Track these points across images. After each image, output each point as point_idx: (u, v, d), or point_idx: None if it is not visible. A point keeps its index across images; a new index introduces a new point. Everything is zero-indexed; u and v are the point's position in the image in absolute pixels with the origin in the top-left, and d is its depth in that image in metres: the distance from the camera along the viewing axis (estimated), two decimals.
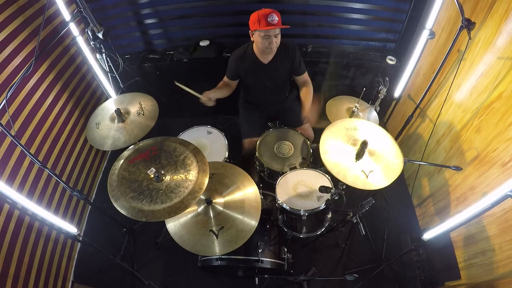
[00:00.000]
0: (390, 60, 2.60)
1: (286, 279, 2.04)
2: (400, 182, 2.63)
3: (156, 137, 1.65)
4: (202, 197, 1.56)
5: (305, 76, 2.12)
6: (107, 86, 2.48)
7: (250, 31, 1.87)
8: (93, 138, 1.80)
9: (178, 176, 1.47)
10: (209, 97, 1.93)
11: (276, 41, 1.85)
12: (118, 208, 1.39)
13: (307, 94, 2.02)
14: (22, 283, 1.76)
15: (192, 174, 1.46)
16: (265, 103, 2.27)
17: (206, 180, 1.44)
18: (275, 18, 1.75)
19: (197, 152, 1.55)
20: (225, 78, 2.13)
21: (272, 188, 1.88)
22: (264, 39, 1.82)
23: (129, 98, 1.97)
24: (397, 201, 2.53)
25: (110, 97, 2.50)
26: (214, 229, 1.52)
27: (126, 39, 2.73)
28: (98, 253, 1.97)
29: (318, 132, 1.83)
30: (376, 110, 2.33)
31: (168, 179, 1.47)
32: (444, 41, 2.07)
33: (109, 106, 1.94)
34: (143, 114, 1.85)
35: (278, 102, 2.29)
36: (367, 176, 1.54)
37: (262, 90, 2.15)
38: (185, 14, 2.54)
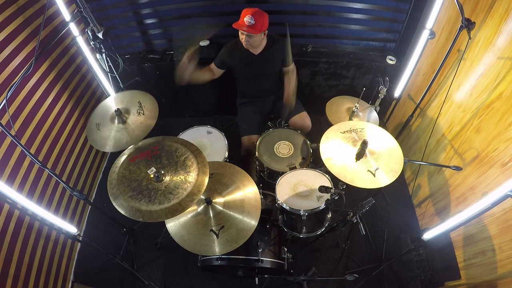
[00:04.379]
0: (390, 60, 2.60)
1: (286, 279, 2.04)
2: (400, 182, 2.63)
3: (157, 136, 1.66)
4: (202, 197, 1.56)
5: (292, 66, 2.20)
6: (107, 86, 2.48)
7: None
8: (94, 139, 1.80)
9: (178, 178, 1.47)
10: (184, 60, 1.93)
11: (249, 40, 1.92)
12: (117, 207, 1.40)
13: (291, 80, 2.15)
14: (22, 283, 1.76)
15: (192, 176, 1.46)
16: (260, 94, 2.32)
17: (206, 182, 1.44)
18: (250, 21, 1.82)
19: (198, 153, 1.55)
20: (212, 65, 2.17)
21: (272, 188, 1.88)
22: (239, 32, 1.93)
23: (128, 96, 1.97)
24: (397, 201, 2.53)
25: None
26: (214, 228, 1.52)
27: (126, 39, 2.73)
28: (98, 253, 1.98)
29: (318, 132, 1.84)
30: (376, 110, 2.33)
31: (168, 179, 1.47)
32: (444, 41, 2.06)
33: (108, 105, 1.94)
34: (143, 114, 1.85)
35: (272, 93, 2.34)
36: (374, 175, 1.54)
37: (255, 80, 2.21)
38: (185, 14, 2.54)
